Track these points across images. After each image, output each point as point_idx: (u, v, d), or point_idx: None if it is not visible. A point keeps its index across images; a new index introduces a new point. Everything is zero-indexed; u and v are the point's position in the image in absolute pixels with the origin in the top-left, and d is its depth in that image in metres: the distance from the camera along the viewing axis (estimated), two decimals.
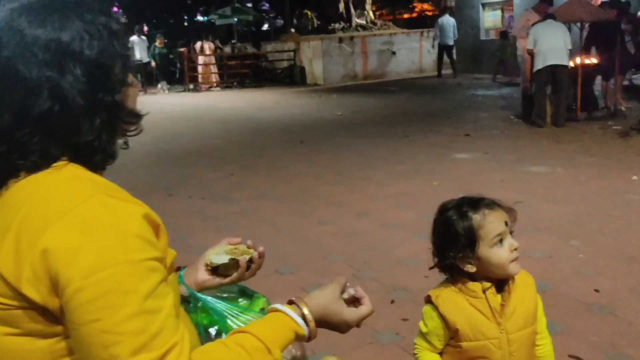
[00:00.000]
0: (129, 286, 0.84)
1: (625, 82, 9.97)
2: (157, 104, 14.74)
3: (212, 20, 22.04)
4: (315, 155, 7.35)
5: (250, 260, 1.31)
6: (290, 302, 1.10)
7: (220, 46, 20.38)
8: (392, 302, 3.21)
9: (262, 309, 1.29)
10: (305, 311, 1.08)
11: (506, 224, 1.45)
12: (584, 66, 8.32)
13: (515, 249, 1.44)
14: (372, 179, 6.00)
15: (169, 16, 31.07)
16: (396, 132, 8.57)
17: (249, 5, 28.37)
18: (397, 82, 16.49)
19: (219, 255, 1.30)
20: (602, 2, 9.95)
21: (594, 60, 8.71)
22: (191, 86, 17.61)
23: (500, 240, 1.44)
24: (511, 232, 1.47)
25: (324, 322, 1.10)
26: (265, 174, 6.51)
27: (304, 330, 1.06)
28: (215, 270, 1.29)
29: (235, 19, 22.01)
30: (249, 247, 1.34)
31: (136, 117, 1.03)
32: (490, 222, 1.43)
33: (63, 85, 0.90)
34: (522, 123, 8.59)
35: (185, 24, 32.78)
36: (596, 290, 3.20)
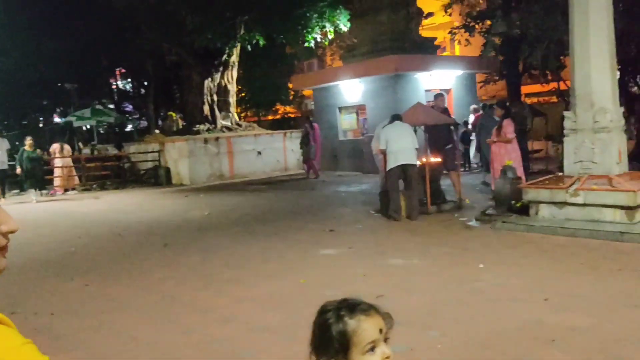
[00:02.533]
0: None
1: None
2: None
3: (70, 122, 21.23)
4: (180, 259, 7.11)
5: None
6: None
7: (81, 147, 19.59)
8: None
9: None
10: None
11: (380, 331, 1.46)
12: (430, 164, 9.15)
13: (387, 358, 1.45)
14: (240, 280, 5.89)
15: (22, 117, 29.41)
16: (265, 231, 8.62)
17: (111, 106, 27.87)
18: (263, 180, 16.81)
19: None
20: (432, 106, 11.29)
21: (439, 159, 9.61)
22: (44, 191, 16.48)
23: (373, 348, 1.44)
24: (386, 340, 1.47)
25: None
26: (124, 282, 6.13)
27: None
28: None
29: (95, 122, 21.44)
30: None
31: None
32: (364, 330, 1.43)
33: None
34: (381, 217, 9.09)
35: (41, 125, 31.19)
36: None
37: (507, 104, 11.40)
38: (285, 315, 4.52)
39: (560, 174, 7.85)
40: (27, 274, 6.78)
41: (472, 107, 15.48)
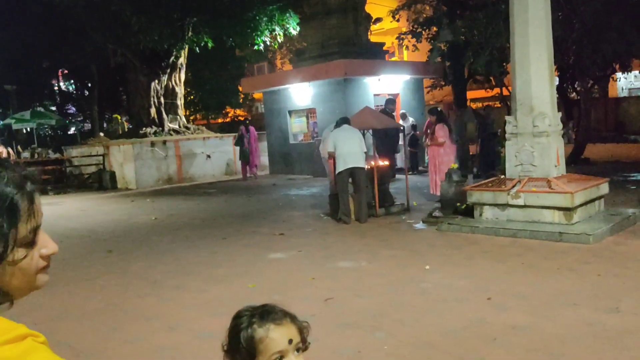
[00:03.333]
0: None
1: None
2: None
3: (9, 125, 20.37)
4: (125, 265, 6.92)
5: None
6: None
7: (20, 151, 18.81)
8: None
9: None
10: None
11: (290, 341, 1.45)
12: (378, 167, 9.26)
13: None
14: (187, 287, 5.79)
15: None
16: (214, 235, 8.51)
17: (53, 108, 26.91)
18: (213, 184, 16.61)
19: None
20: (381, 110, 11.58)
21: (387, 162, 9.75)
22: None
23: (281, 358, 1.44)
24: (299, 349, 1.45)
25: None
26: (66, 290, 5.91)
27: None
28: None
29: (34, 123, 20.65)
30: None
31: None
32: (271, 339, 1.42)
33: None
34: (331, 220, 9.13)
35: None
36: None
37: (439, 109, 11.82)
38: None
39: (503, 176, 8.10)
40: None
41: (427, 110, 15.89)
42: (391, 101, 12.05)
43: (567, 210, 7.06)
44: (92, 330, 4.62)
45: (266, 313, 1.48)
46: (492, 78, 17.14)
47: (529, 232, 6.96)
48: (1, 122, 24.27)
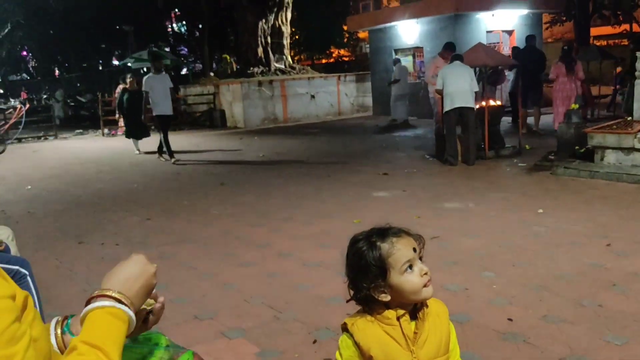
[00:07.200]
0: None
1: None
2: (68, 149, 14.16)
3: (128, 64, 21.62)
4: (237, 197, 7.27)
5: (151, 312, 1.25)
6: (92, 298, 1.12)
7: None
8: (315, 342, 3.16)
9: (167, 346, 1.23)
10: (110, 293, 1.12)
11: (414, 250, 1.48)
12: (490, 107, 8.85)
13: (426, 273, 1.47)
14: (295, 219, 5.99)
15: (82, 60, 30.18)
16: (318, 173, 8.67)
17: (167, 49, 28.16)
18: (317, 124, 16.79)
19: None
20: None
21: (499, 102, 9.29)
22: (106, 130, 17.06)
23: (410, 267, 1.46)
24: (420, 258, 1.50)
25: (135, 288, 1.17)
26: (184, 217, 6.34)
27: (123, 310, 1.10)
28: None
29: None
30: (151, 298, 1.28)
31: None
32: (398, 250, 1.46)
33: None
34: (436, 162, 8.95)
35: (100, 68, 31.98)
36: (509, 319, 3.31)
37: (565, 47, 11.34)
38: (339, 253, 4.57)
39: (629, 118, 7.44)
40: (93, 208, 7.11)
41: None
42: (532, 37, 12.01)
43: None
44: (209, 254, 4.94)
45: (383, 231, 1.51)
46: (620, 13, 15.55)
47: None
48: (121, 63, 25.82)
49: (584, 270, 4.03)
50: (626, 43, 18.93)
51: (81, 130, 18.24)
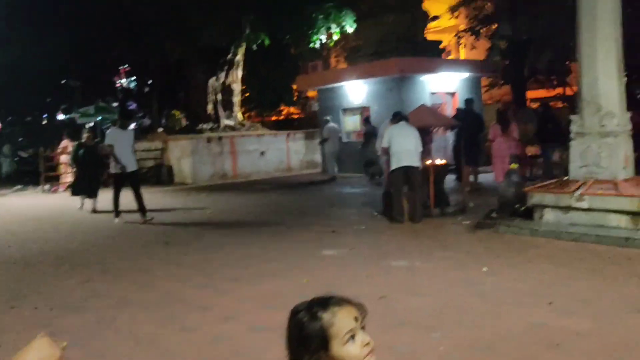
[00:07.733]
0: None
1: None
2: (7, 206, 13.57)
3: (73, 119, 21.22)
4: (182, 257, 7.07)
5: None
6: None
7: None
8: None
9: None
10: None
11: (356, 319, 1.46)
12: (434, 166, 9.09)
13: (368, 344, 1.44)
14: (241, 279, 5.85)
15: (26, 114, 29.40)
16: (267, 230, 8.58)
17: (115, 104, 27.87)
18: (266, 180, 16.78)
19: None
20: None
21: (443, 161, 9.57)
22: (47, 187, 16.48)
23: (353, 337, 1.43)
24: (363, 327, 1.47)
25: None
26: (126, 278, 6.09)
27: None
28: None
29: (99, 117, 21.42)
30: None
31: None
32: (339, 320, 1.43)
33: None
34: (384, 219, 9.04)
35: (44, 122, 31.22)
36: None
37: (498, 109, 12.17)
38: (287, 315, 4.47)
39: (566, 178, 7.79)
40: (27, 270, 6.76)
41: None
42: (471, 100, 12.71)
43: (635, 214, 6.72)
44: (150, 318, 4.74)
45: (324, 300, 1.48)
46: (553, 77, 16.58)
47: (593, 236, 6.66)
48: (67, 117, 25.29)
49: (528, 330, 4.08)
50: (561, 105, 20.12)
51: (21, 186, 17.55)
